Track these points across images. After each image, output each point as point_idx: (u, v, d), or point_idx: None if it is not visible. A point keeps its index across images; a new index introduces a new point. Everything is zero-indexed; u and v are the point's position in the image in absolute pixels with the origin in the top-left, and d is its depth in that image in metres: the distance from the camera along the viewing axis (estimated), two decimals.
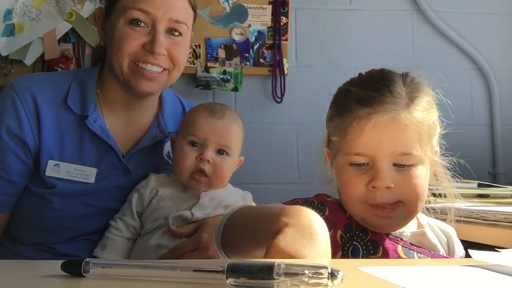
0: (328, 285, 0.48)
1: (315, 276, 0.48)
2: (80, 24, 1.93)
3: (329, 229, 0.82)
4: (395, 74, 0.91)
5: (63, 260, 0.57)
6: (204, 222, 1.11)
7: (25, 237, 1.20)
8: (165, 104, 1.31)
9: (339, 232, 0.87)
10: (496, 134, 2.14)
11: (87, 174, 1.18)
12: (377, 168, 0.85)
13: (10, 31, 1.92)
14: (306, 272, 0.49)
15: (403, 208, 0.86)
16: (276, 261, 0.50)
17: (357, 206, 0.88)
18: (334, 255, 0.82)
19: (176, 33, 1.17)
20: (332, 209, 0.90)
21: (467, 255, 0.94)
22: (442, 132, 0.97)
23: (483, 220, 1.22)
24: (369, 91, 0.88)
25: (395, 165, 0.86)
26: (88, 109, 1.19)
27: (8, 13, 1.91)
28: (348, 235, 0.88)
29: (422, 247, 0.91)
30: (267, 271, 0.49)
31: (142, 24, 1.14)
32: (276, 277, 0.49)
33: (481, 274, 0.60)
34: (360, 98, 0.87)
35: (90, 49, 1.93)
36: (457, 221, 1.28)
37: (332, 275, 0.48)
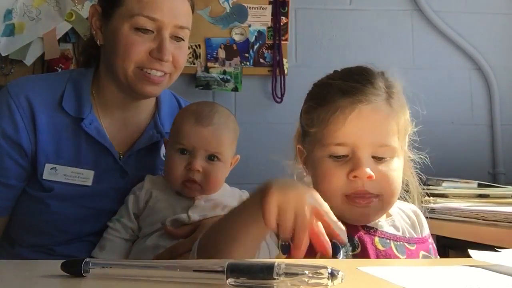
0: (328, 285, 0.48)
1: (315, 276, 0.48)
2: (80, 24, 1.93)
3: None
4: (374, 70, 0.94)
5: (63, 260, 0.57)
6: (202, 223, 1.10)
7: (23, 239, 1.19)
8: (162, 103, 1.30)
9: None
10: (496, 134, 2.13)
11: (85, 176, 1.17)
12: (357, 158, 0.86)
13: (10, 31, 1.92)
14: (306, 272, 0.49)
15: (379, 202, 0.87)
16: (276, 261, 0.50)
17: (336, 199, 0.87)
18: (311, 257, 0.81)
19: (179, 39, 1.17)
20: None
21: (444, 248, 0.95)
22: (415, 129, 0.98)
23: (483, 220, 1.22)
24: (351, 82, 0.90)
25: (373, 157, 0.87)
26: (84, 111, 1.18)
27: (8, 13, 1.91)
28: None
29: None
30: (267, 271, 0.49)
31: (148, 31, 1.13)
32: (276, 277, 0.49)
33: (481, 274, 0.60)
34: (342, 89, 0.89)
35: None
36: (457, 221, 1.29)
37: (332, 275, 0.48)
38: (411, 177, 0.98)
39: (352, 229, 0.88)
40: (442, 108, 2.06)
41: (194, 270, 0.53)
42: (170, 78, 1.19)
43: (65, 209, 1.16)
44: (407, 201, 0.99)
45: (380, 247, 0.87)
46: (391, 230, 0.91)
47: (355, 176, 0.85)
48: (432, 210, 1.33)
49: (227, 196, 1.19)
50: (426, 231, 0.97)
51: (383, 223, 0.91)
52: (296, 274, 0.49)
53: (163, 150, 1.27)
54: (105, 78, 1.21)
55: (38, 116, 1.16)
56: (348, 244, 0.86)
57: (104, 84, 1.22)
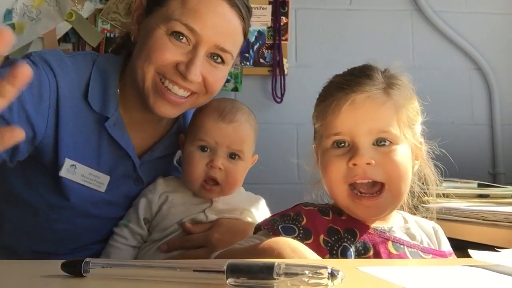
0: (328, 285, 0.48)
1: (315, 276, 0.48)
2: (80, 24, 1.93)
3: (309, 238, 0.85)
4: (375, 66, 0.94)
5: (63, 260, 0.57)
6: (218, 221, 1.08)
7: (24, 249, 1.11)
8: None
9: (321, 237, 0.86)
10: (496, 134, 2.13)
11: (100, 181, 1.08)
12: (356, 146, 0.87)
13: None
14: (306, 272, 0.49)
15: (388, 193, 0.86)
16: (276, 261, 0.50)
17: (341, 189, 0.87)
18: None
19: (218, 60, 1.05)
20: (311, 216, 0.89)
21: (458, 253, 0.95)
22: (426, 125, 0.97)
23: (483, 220, 1.22)
24: (348, 76, 0.92)
25: (374, 144, 0.87)
26: (109, 109, 1.06)
27: (8, 13, 1.91)
28: (334, 238, 0.86)
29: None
30: (267, 271, 0.49)
31: (184, 40, 1.01)
32: (276, 277, 0.49)
33: (481, 274, 0.60)
34: (340, 83, 0.91)
35: (90, 49, 1.94)
36: (457, 221, 1.29)
37: (332, 275, 0.48)
38: (427, 169, 0.97)
39: (365, 233, 0.87)
40: (442, 108, 2.06)
41: (194, 270, 0.53)
42: (197, 100, 1.07)
43: (76, 218, 1.09)
44: (426, 195, 0.98)
45: (393, 251, 0.87)
46: (404, 237, 0.90)
47: (354, 164, 0.85)
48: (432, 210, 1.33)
49: (244, 201, 1.15)
50: (446, 248, 0.95)
51: (397, 229, 0.90)
52: (296, 274, 0.49)
53: (177, 156, 1.21)
54: (129, 77, 1.09)
55: (63, 101, 1.02)
56: (360, 248, 0.85)
57: (128, 80, 1.10)
